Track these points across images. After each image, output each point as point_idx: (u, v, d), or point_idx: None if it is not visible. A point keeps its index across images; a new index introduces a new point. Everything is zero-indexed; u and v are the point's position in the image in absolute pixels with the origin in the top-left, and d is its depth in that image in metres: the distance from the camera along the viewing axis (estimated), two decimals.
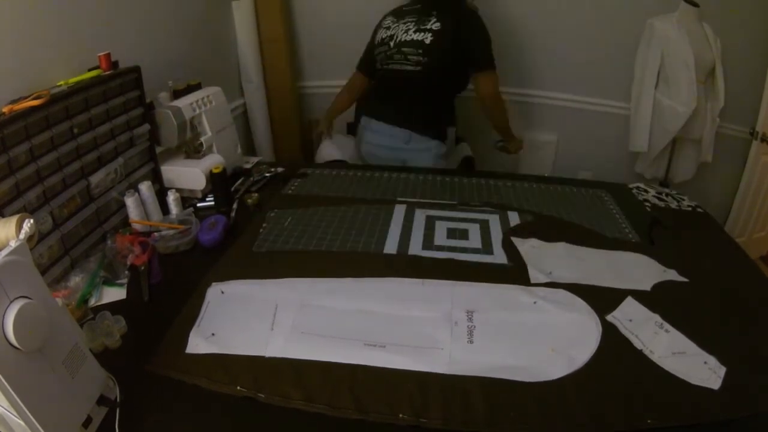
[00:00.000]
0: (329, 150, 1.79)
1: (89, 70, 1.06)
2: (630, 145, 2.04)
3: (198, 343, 0.77)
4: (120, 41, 1.26)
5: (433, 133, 1.53)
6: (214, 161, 1.26)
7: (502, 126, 1.64)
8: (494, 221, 1.14)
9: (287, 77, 2.23)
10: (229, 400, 0.68)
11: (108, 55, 1.07)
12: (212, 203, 1.22)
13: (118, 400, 0.66)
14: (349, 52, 2.30)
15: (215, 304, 0.86)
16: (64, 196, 0.94)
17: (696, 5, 1.78)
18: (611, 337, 0.78)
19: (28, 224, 0.61)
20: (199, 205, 1.22)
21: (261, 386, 0.69)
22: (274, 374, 0.71)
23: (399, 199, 1.24)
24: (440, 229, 1.10)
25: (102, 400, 0.64)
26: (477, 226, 1.12)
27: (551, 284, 0.90)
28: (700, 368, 0.72)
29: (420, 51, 1.48)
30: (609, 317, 0.83)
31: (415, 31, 1.50)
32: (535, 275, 0.93)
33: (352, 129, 2.07)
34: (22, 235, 0.60)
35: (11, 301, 0.52)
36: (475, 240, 1.06)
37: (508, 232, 1.08)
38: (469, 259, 0.99)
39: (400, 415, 0.65)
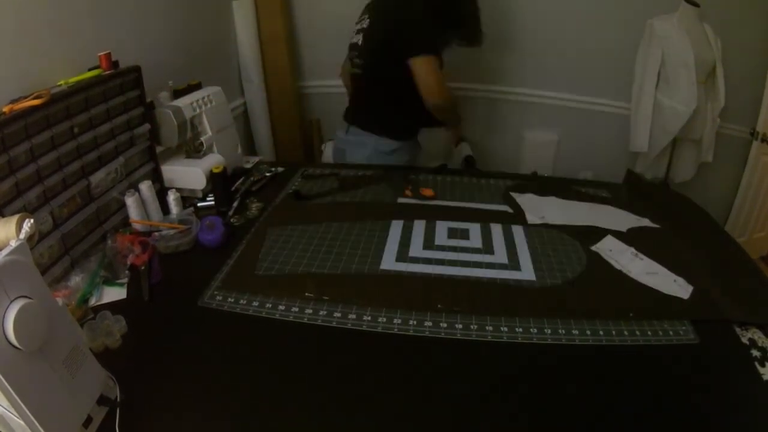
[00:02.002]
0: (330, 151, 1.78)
1: (89, 69, 1.06)
2: (630, 145, 2.03)
3: None
4: (120, 41, 1.26)
5: (377, 129, 1.48)
6: (214, 161, 1.26)
7: (448, 121, 1.53)
8: (495, 226, 1.14)
9: (287, 77, 2.24)
10: (229, 400, 0.68)
11: (108, 55, 1.07)
12: (212, 203, 1.22)
13: (118, 400, 0.66)
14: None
15: None
16: (65, 195, 0.94)
17: (696, 5, 1.78)
18: (595, 261, 0.99)
19: (28, 224, 0.61)
20: (199, 204, 1.22)
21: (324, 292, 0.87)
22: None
23: (399, 200, 1.24)
24: (441, 229, 1.10)
25: (102, 400, 0.64)
26: (477, 225, 1.12)
27: (544, 225, 1.12)
28: (671, 284, 0.91)
29: (356, 53, 1.47)
30: (593, 248, 1.03)
31: (355, 33, 1.49)
32: (531, 218, 1.14)
33: None
34: (22, 235, 0.60)
35: (11, 301, 0.52)
36: (475, 240, 1.06)
37: (508, 188, 1.28)
38: (470, 259, 1.00)
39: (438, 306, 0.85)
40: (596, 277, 0.94)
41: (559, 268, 0.97)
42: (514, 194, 1.24)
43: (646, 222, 1.13)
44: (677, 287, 0.90)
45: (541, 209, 1.18)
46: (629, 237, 1.06)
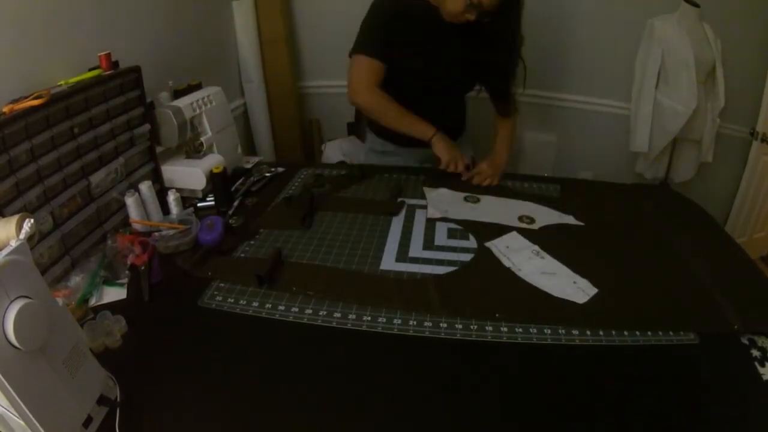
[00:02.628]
0: (333, 152, 1.78)
1: (90, 69, 1.06)
2: (630, 145, 2.04)
3: None
4: (120, 41, 1.27)
5: (373, 128, 1.52)
6: (214, 161, 1.26)
7: (382, 124, 1.34)
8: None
9: (287, 77, 2.24)
10: (229, 400, 0.68)
11: (108, 55, 1.07)
12: (212, 203, 1.22)
13: (118, 400, 0.66)
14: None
15: None
16: (65, 195, 0.94)
17: (696, 5, 1.78)
18: (484, 256, 0.99)
19: (28, 224, 0.61)
20: (199, 205, 1.22)
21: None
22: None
23: (399, 200, 1.24)
24: (440, 230, 1.10)
25: (102, 400, 0.64)
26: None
27: (444, 219, 1.13)
28: (567, 286, 0.89)
29: None
30: (487, 243, 1.03)
31: None
32: (432, 212, 1.16)
33: (353, 129, 2.08)
34: (22, 235, 0.60)
35: (11, 301, 0.52)
36: (473, 240, 1.06)
37: (424, 182, 1.31)
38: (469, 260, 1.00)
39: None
40: (480, 272, 0.94)
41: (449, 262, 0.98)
42: (426, 189, 1.27)
43: (569, 219, 1.13)
44: (575, 289, 0.88)
45: (446, 204, 1.20)
46: (539, 235, 1.06)
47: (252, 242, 1.06)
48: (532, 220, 1.12)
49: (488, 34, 1.21)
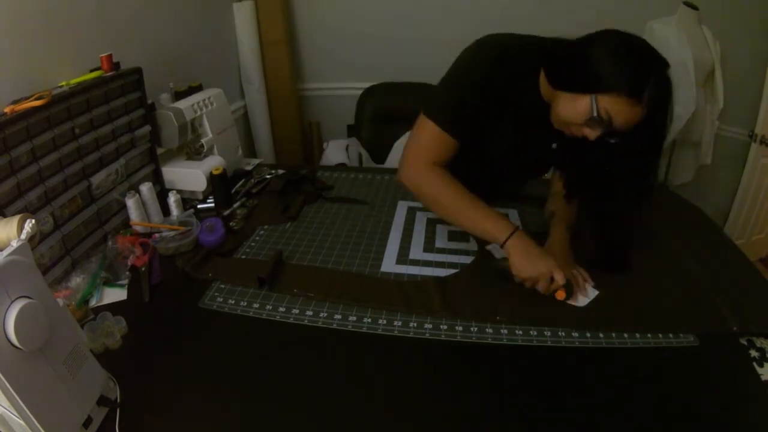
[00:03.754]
0: (334, 153, 1.78)
1: (91, 71, 1.06)
2: None
3: None
4: (122, 42, 1.27)
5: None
6: (214, 163, 1.26)
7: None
8: None
9: (288, 79, 2.24)
10: (229, 401, 0.68)
11: (110, 56, 1.07)
12: (213, 205, 1.22)
13: (118, 400, 0.66)
14: (349, 55, 2.31)
15: None
16: (66, 196, 0.94)
17: (695, 8, 1.79)
18: (485, 259, 0.99)
19: (29, 224, 0.61)
20: (199, 206, 1.22)
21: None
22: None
23: (400, 201, 1.25)
24: (441, 233, 1.11)
25: (102, 401, 0.64)
26: None
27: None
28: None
29: None
30: (488, 246, 1.02)
31: None
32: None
33: (352, 131, 2.08)
34: (23, 236, 0.60)
35: (12, 301, 0.52)
36: (474, 243, 1.06)
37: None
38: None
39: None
40: (472, 275, 0.94)
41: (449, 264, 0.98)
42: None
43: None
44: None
45: None
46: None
47: (253, 243, 1.07)
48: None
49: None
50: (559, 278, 0.82)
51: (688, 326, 0.81)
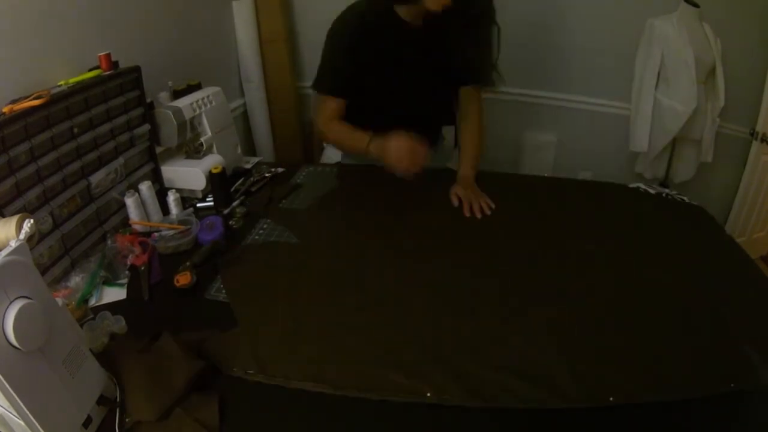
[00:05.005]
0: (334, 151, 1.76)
1: (89, 70, 1.06)
2: (630, 145, 2.03)
3: None
4: (120, 41, 1.27)
5: None
6: (214, 161, 1.26)
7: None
8: None
9: (287, 77, 2.24)
10: (228, 401, 0.68)
11: (108, 55, 1.07)
12: (212, 203, 1.22)
13: (118, 400, 0.66)
14: None
15: None
16: (65, 196, 0.94)
17: (696, 5, 1.78)
18: None
19: (28, 224, 0.61)
20: (199, 205, 1.22)
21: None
22: None
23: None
24: None
25: (102, 400, 0.64)
26: None
27: None
28: None
29: None
30: None
31: None
32: None
33: None
34: (22, 235, 0.60)
35: (11, 301, 0.52)
36: None
37: None
38: None
39: None
40: None
41: None
42: None
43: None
44: None
45: None
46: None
47: (257, 237, 1.07)
48: None
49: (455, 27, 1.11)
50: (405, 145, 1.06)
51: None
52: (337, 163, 1.50)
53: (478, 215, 1.14)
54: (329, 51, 1.20)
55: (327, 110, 1.24)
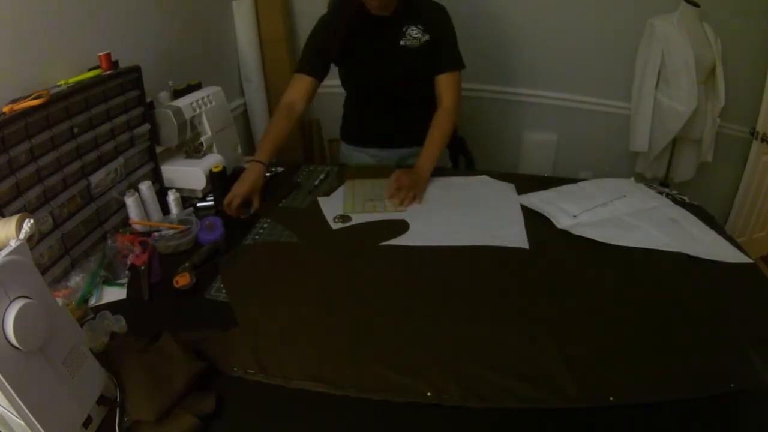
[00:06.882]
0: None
1: (89, 69, 1.06)
2: (630, 145, 2.03)
3: None
4: (120, 41, 1.26)
5: None
6: (214, 161, 1.26)
7: None
8: None
9: (288, 77, 2.21)
10: (228, 400, 0.68)
11: (108, 55, 1.07)
12: (212, 203, 1.22)
13: (118, 399, 0.66)
14: None
15: None
16: (65, 195, 0.94)
17: (696, 5, 1.78)
18: None
19: (28, 224, 0.61)
20: (199, 204, 1.22)
21: None
22: None
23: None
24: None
25: (102, 400, 0.64)
26: None
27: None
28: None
29: None
30: None
31: None
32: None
33: None
34: (22, 235, 0.60)
35: (11, 301, 0.52)
36: None
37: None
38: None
39: None
40: None
41: None
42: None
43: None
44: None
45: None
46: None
47: (256, 236, 1.07)
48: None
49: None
50: (234, 202, 1.13)
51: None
52: (339, 164, 1.51)
53: (402, 208, 1.16)
54: (309, 35, 1.36)
55: (290, 91, 1.34)
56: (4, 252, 0.54)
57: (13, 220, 0.61)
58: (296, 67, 1.36)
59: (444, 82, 1.31)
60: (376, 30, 1.29)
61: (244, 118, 2.23)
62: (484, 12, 2.05)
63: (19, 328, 0.51)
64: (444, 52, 1.30)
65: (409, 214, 1.15)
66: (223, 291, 0.90)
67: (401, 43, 1.28)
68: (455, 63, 1.32)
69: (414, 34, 1.28)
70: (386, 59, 1.31)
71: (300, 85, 1.33)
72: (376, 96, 1.40)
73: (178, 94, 1.32)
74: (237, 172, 1.37)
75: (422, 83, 1.34)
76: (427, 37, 1.29)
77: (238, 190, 1.15)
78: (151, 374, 0.66)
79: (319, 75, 1.35)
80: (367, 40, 1.30)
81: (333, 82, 2.31)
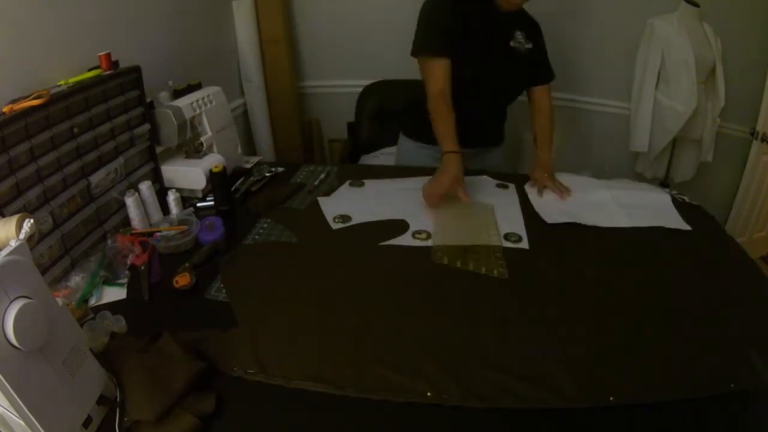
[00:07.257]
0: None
1: (89, 69, 1.06)
2: (630, 145, 2.03)
3: None
4: (120, 41, 1.26)
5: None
6: (214, 161, 1.26)
7: None
8: None
9: (287, 77, 2.24)
10: (228, 400, 0.68)
11: (108, 55, 1.07)
12: (212, 203, 1.22)
13: (118, 399, 0.66)
14: (349, 52, 2.30)
15: None
16: (65, 195, 0.94)
17: (696, 5, 1.78)
18: None
19: (28, 224, 0.61)
20: (199, 204, 1.22)
21: None
22: None
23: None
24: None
25: (102, 400, 0.64)
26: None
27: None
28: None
29: None
30: None
31: None
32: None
33: (352, 128, 2.07)
34: (22, 235, 0.60)
35: (11, 301, 0.52)
36: None
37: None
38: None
39: None
40: None
41: None
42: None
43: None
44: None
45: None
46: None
47: (256, 236, 1.07)
48: (519, 238, 1.06)
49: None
50: (460, 188, 1.14)
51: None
52: (339, 164, 1.51)
53: (562, 198, 1.26)
54: (430, 12, 1.24)
55: (436, 78, 1.21)
56: (4, 252, 0.54)
57: (13, 220, 0.61)
58: (426, 49, 1.23)
59: (545, 90, 1.41)
60: (491, 25, 1.26)
61: (244, 118, 2.23)
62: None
63: (19, 328, 0.51)
64: (544, 62, 1.39)
65: (409, 213, 1.15)
66: (223, 291, 0.90)
67: (511, 44, 1.29)
68: (552, 75, 1.41)
69: (520, 39, 1.30)
70: (496, 56, 1.29)
71: (441, 70, 1.21)
72: (471, 90, 1.30)
73: (178, 94, 1.32)
74: (237, 172, 1.37)
75: (516, 87, 1.40)
76: (530, 45, 1.32)
77: (445, 180, 1.13)
78: (151, 374, 0.66)
79: (451, 55, 1.23)
80: (481, 33, 1.26)
81: (334, 82, 2.32)
